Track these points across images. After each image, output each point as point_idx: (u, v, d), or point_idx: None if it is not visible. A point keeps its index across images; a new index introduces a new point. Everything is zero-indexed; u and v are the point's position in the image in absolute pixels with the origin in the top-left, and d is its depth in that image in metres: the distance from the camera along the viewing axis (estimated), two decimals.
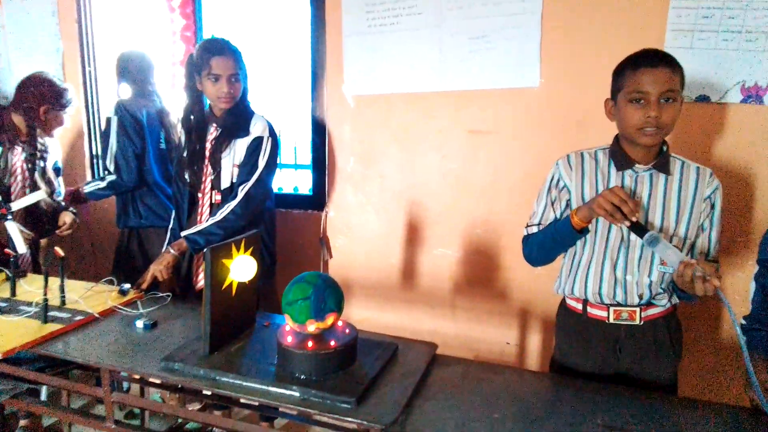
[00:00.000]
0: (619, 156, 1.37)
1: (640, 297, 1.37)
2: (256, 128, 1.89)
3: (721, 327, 1.95)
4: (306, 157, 2.58)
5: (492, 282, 2.20)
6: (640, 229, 1.24)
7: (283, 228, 2.40)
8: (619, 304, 1.39)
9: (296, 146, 2.64)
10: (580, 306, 1.45)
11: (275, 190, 2.17)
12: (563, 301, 1.53)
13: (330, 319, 1.27)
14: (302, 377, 1.23)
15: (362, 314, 2.43)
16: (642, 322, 1.38)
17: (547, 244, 1.42)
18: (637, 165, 1.35)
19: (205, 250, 1.28)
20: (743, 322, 1.39)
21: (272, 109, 2.75)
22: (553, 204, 1.44)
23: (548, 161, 1.48)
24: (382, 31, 2.18)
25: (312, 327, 1.26)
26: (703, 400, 1.27)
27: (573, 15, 1.93)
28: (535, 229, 1.46)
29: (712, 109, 1.85)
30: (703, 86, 1.85)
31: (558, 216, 1.43)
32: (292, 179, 2.65)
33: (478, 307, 2.24)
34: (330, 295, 1.28)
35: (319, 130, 2.38)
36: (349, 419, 1.13)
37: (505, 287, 2.18)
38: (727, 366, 1.95)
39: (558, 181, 1.43)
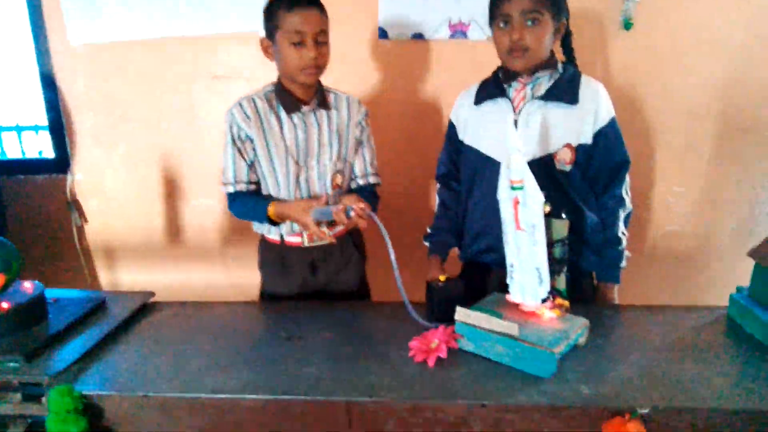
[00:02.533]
0: (287, 98, 1.42)
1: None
2: None
3: None
4: (39, 116, 2.31)
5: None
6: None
7: (23, 197, 2.16)
8: None
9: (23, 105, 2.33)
10: (277, 237, 1.52)
11: None
12: (262, 237, 1.58)
13: None
14: None
15: (131, 278, 2.32)
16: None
17: (249, 217, 1.49)
18: (303, 107, 1.42)
19: None
20: (429, 230, 1.58)
21: None
22: (241, 154, 1.44)
23: None
24: None
25: None
26: (389, 302, 1.41)
27: None
28: (231, 189, 1.46)
29: (427, 46, 2.01)
30: (417, 24, 1.99)
31: (248, 163, 1.45)
32: (36, 143, 2.37)
33: (247, 254, 2.25)
34: None
35: (49, 85, 2.14)
36: (17, 377, 1.07)
37: None
38: None
39: (239, 132, 1.43)
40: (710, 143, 2.07)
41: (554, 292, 1.17)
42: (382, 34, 2.01)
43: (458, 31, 1.99)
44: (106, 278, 2.35)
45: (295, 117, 1.44)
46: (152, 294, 1.43)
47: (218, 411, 1.02)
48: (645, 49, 1.98)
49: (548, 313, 1.13)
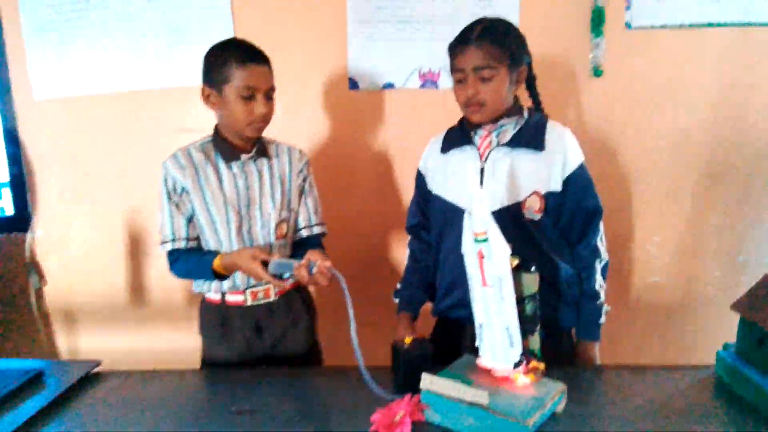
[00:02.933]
0: (225, 148, 1.38)
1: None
2: None
3: None
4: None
5: None
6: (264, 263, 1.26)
7: None
8: (254, 286, 1.40)
9: None
10: (218, 297, 1.43)
11: None
12: (203, 299, 1.49)
13: None
14: None
15: (92, 342, 2.19)
16: (276, 297, 1.41)
17: (195, 277, 1.41)
18: (242, 155, 1.38)
19: None
20: (399, 286, 1.50)
21: None
22: (178, 208, 1.37)
23: None
24: (68, 26, 1.98)
25: None
26: (351, 367, 1.29)
27: (269, 4, 1.94)
28: (170, 246, 1.37)
29: (398, 94, 1.99)
30: (387, 74, 1.98)
31: (187, 217, 1.38)
32: None
33: None
34: None
35: (11, 140, 2.08)
36: None
37: None
38: None
39: (174, 184, 1.36)
40: (689, 190, 2.03)
41: (527, 354, 1.08)
42: (353, 84, 1.99)
43: (428, 80, 1.98)
44: (65, 343, 2.21)
45: (234, 166, 1.39)
46: (97, 363, 1.32)
47: None
48: (617, 95, 1.97)
49: (522, 379, 1.04)
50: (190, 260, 1.38)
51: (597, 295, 1.33)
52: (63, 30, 1.97)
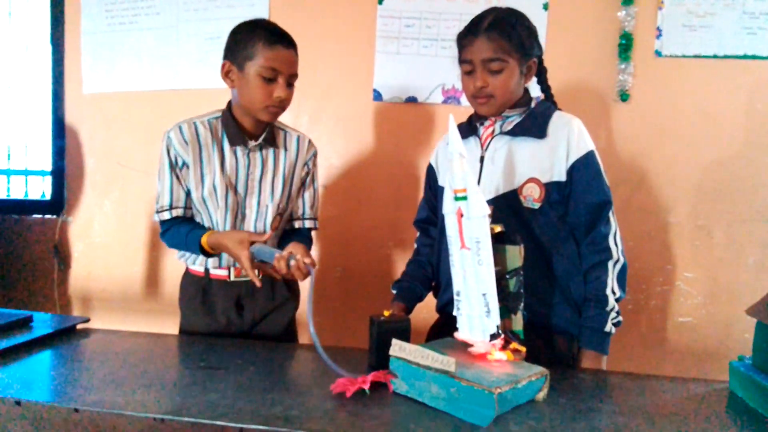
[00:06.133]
0: (232, 130, 1.33)
1: None
2: None
3: None
4: (39, 160, 2.38)
5: None
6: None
7: (12, 236, 2.17)
8: None
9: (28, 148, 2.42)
10: (202, 269, 1.41)
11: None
12: (186, 269, 1.47)
13: None
14: None
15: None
16: (261, 277, 1.38)
17: (182, 249, 1.40)
18: (249, 141, 1.34)
19: None
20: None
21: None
22: (179, 180, 1.35)
23: None
24: (121, 30, 2.16)
25: None
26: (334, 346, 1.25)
27: (301, 15, 2.05)
28: (167, 215, 1.35)
29: (420, 109, 2.02)
30: (411, 88, 2.02)
31: (186, 190, 1.36)
32: (40, 186, 2.43)
33: None
34: None
35: (59, 131, 2.24)
36: None
37: None
38: None
39: (176, 157, 1.33)
40: (723, 224, 1.91)
41: (509, 334, 1.01)
42: (377, 96, 2.04)
43: (451, 96, 2.00)
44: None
45: (239, 151, 1.35)
46: (86, 319, 1.34)
47: (97, 427, 0.87)
48: (644, 121, 1.92)
49: (498, 354, 0.97)
50: (181, 231, 1.34)
51: (604, 301, 1.20)
52: (116, 32, 2.16)
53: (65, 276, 2.25)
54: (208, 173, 1.33)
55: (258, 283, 1.26)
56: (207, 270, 1.40)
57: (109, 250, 2.21)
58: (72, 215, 2.24)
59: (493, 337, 0.96)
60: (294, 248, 1.20)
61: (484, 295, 0.95)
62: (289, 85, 1.32)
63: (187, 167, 1.34)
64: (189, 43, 2.12)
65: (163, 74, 2.14)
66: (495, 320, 0.96)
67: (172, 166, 1.34)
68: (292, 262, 1.17)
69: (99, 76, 2.19)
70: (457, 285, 1.01)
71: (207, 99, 2.09)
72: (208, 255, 1.34)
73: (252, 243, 1.24)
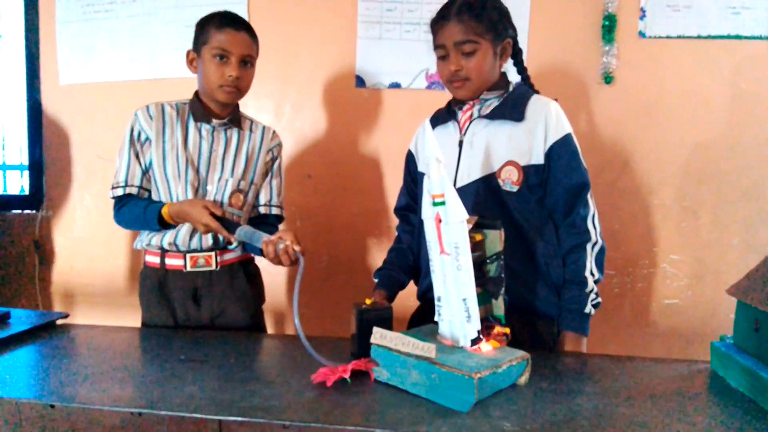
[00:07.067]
0: (198, 109, 1.39)
1: (215, 242, 1.38)
2: None
3: None
4: (17, 155, 2.34)
5: None
6: (231, 226, 1.25)
7: None
8: (194, 250, 1.37)
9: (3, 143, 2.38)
10: (158, 260, 1.40)
11: None
12: (144, 264, 1.46)
13: None
14: None
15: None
16: (218, 267, 1.37)
17: (138, 225, 1.38)
18: (214, 119, 1.39)
19: None
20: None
21: None
22: (138, 158, 1.38)
23: None
24: (98, 18, 2.11)
25: None
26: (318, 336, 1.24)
27: (281, 1, 2.01)
28: (121, 192, 1.36)
29: (404, 95, 2.00)
30: (395, 74, 1.99)
31: (144, 168, 1.38)
32: (18, 181, 2.39)
33: None
34: None
35: (35, 123, 2.20)
36: None
37: None
38: None
39: (139, 133, 1.38)
40: (708, 205, 1.91)
41: (490, 319, 1.00)
42: (360, 82, 2.01)
43: (435, 82, 1.98)
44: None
45: (204, 128, 1.40)
46: (65, 315, 1.32)
47: (73, 422, 0.86)
48: (629, 103, 1.91)
49: (485, 346, 0.96)
50: (138, 206, 1.35)
51: (584, 282, 1.22)
52: (93, 20, 2.11)
53: (48, 271, 2.21)
54: (171, 148, 1.37)
55: (232, 239, 1.27)
56: (163, 262, 1.39)
57: (91, 244, 2.18)
58: (52, 210, 2.20)
59: (474, 342, 0.95)
60: (284, 234, 1.19)
61: (464, 300, 0.94)
62: (244, 64, 1.36)
63: (150, 142, 1.37)
64: (167, 30, 2.07)
65: (141, 63, 2.09)
66: (476, 325, 0.95)
67: (133, 142, 1.37)
68: (281, 246, 1.16)
69: (76, 66, 2.14)
70: (437, 290, 1.00)
71: (187, 88, 2.04)
72: (166, 227, 1.34)
73: (211, 213, 1.25)
